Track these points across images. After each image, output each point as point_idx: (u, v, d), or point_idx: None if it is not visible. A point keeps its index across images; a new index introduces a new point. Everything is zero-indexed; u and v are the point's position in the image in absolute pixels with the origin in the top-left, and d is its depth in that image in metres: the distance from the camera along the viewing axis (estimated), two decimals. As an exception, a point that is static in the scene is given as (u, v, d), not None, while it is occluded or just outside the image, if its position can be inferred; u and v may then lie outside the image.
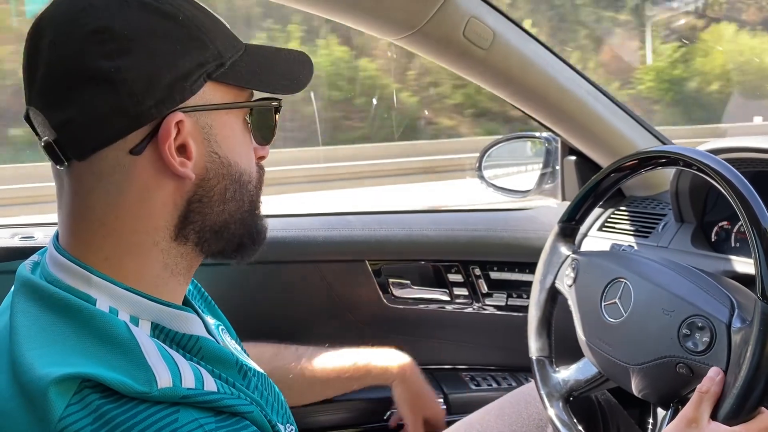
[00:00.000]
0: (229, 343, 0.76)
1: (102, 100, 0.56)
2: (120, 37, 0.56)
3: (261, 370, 0.73)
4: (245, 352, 0.81)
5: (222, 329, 0.77)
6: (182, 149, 0.59)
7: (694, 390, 0.78)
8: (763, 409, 0.75)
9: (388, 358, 1.10)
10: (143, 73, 0.56)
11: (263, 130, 0.67)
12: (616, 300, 0.93)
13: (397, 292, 1.43)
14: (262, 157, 0.69)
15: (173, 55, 0.58)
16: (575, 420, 1.00)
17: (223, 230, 0.64)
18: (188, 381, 0.53)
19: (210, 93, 0.61)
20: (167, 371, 0.52)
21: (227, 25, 0.65)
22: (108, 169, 0.58)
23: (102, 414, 0.48)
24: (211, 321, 0.75)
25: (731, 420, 0.75)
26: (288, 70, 0.67)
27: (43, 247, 0.66)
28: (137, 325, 0.57)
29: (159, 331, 0.59)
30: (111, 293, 0.57)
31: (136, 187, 0.58)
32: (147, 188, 0.59)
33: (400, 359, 1.11)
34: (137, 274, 0.60)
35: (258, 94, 0.67)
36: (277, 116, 0.68)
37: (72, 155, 0.58)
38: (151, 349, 0.53)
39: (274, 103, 0.67)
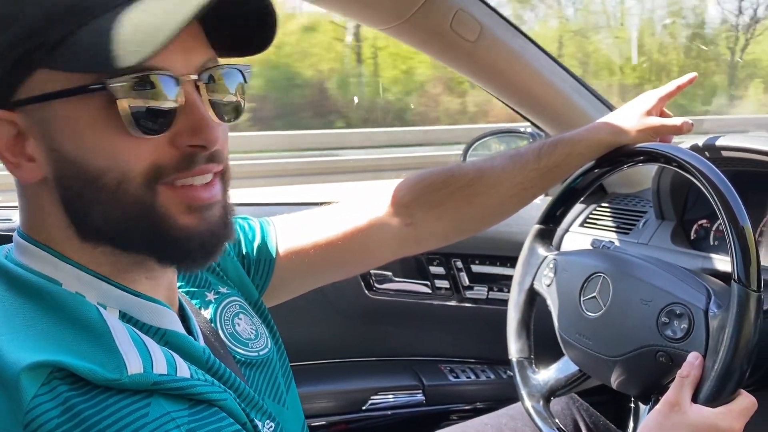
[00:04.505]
0: (238, 326, 0.74)
1: None
2: None
3: (253, 357, 0.72)
4: (270, 331, 0.78)
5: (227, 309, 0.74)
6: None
7: (674, 379, 0.79)
8: (742, 390, 0.76)
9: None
10: None
11: (136, 117, 0.51)
12: (595, 294, 0.93)
13: (379, 283, 1.43)
14: (201, 147, 0.54)
15: None
16: (554, 417, 1.01)
17: (122, 236, 0.55)
18: (160, 366, 0.51)
19: (46, 81, 0.51)
20: (138, 357, 0.50)
21: None
22: None
23: (70, 407, 0.47)
24: (206, 314, 0.72)
25: (712, 402, 0.76)
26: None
27: None
28: (106, 311, 0.55)
29: (127, 321, 0.56)
30: (77, 278, 0.55)
31: (23, 187, 0.56)
32: (26, 189, 0.56)
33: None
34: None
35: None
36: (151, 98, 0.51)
37: None
38: (121, 333, 0.51)
39: (115, 84, 0.49)
